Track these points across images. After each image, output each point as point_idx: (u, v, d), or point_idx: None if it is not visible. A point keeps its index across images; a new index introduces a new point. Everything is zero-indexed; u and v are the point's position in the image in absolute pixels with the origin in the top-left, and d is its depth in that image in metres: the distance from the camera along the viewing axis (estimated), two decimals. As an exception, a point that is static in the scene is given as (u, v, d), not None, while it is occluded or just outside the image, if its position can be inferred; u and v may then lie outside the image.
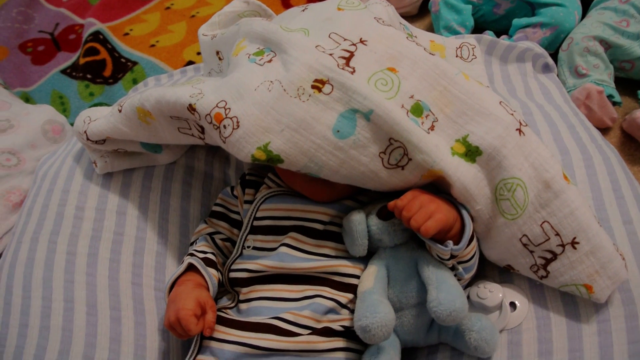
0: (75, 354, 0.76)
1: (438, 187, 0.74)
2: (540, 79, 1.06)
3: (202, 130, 0.78)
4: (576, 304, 0.72)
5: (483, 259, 0.79)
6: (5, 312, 0.81)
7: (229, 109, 0.71)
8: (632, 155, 1.14)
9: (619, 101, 1.17)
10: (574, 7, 1.29)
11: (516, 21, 1.32)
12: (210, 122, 0.71)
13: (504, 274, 0.79)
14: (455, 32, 1.35)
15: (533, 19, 1.30)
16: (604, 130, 1.18)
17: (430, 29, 1.48)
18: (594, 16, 1.25)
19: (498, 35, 1.32)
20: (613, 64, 1.21)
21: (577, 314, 0.71)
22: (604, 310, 0.71)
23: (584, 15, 1.31)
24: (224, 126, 0.70)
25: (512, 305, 0.74)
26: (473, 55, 1.05)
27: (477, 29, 1.41)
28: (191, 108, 0.72)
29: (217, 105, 0.71)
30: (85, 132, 0.88)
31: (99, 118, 0.88)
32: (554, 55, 1.25)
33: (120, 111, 0.83)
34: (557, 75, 1.17)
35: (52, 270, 0.83)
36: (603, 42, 1.19)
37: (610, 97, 1.16)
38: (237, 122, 0.70)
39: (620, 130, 1.18)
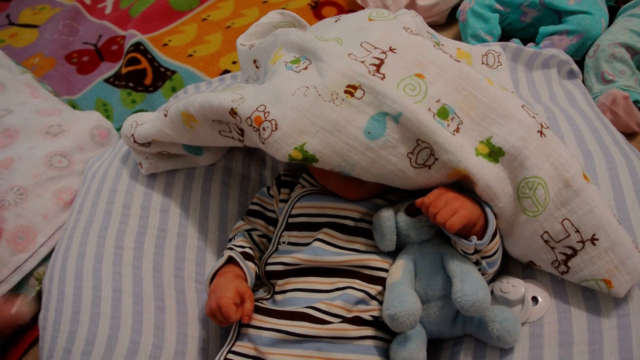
0: (123, 338, 0.81)
1: (463, 185, 0.78)
2: (565, 85, 1.08)
3: (242, 132, 0.83)
4: (596, 298, 0.74)
5: (506, 256, 0.81)
6: (59, 300, 0.86)
7: (268, 112, 0.76)
8: (658, 159, 1.15)
9: (646, 106, 1.19)
10: (600, 14, 1.30)
11: (543, 29, 1.34)
12: (251, 125, 0.77)
13: (527, 270, 0.81)
14: (482, 40, 1.38)
15: (560, 27, 1.31)
16: (631, 135, 1.18)
17: (458, 37, 1.51)
18: (621, 23, 1.26)
19: (525, 43, 1.34)
20: (640, 69, 1.23)
21: (598, 308, 0.73)
22: (623, 305, 0.73)
23: (610, 23, 1.32)
24: (264, 128, 0.76)
25: (534, 299, 0.77)
26: (498, 62, 1.08)
27: (505, 37, 1.43)
28: (233, 112, 0.78)
29: (257, 109, 0.77)
30: (132, 135, 0.94)
31: (145, 122, 0.94)
32: (581, 62, 1.27)
33: (165, 115, 0.89)
34: (583, 82, 1.19)
35: (101, 262, 0.88)
36: (629, 48, 1.20)
37: (636, 102, 1.17)
38: (276, 124, 0.75)
39: (647, 135, 1.19)
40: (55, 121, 1.21)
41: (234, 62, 1.59)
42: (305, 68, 0.80)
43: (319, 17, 1.68)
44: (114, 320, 0.83)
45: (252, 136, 0.79)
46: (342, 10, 1.71)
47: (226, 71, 1.56)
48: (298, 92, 0.76)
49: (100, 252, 0.90)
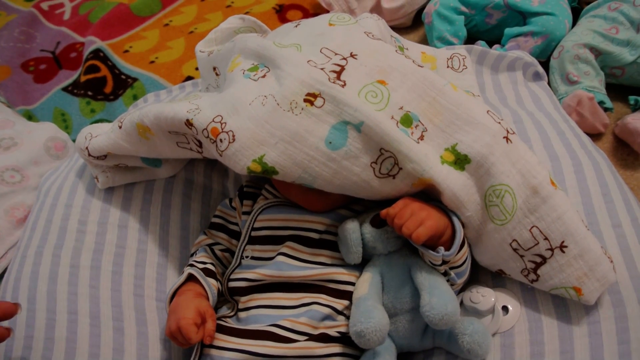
0: (80, 364, 0.78)
1: (429, 195, 0.76)
2: (531, 87, 1.08)
3: (200, 144, 0.80)
4: (567, 306, 0.74)
5: (476, 265, 0.80)
6: (10, 324, 0.82)
7: (225, 123, 0.73)
8: (624, 160, 1.16)
9: (611, 107, 1.19)
10: (564, 15, 1.31)
11: (508, 30, 1.34)
12: (207, 137, 0.74)
13: (497, 279, 0.80)
14: (448, 43, 1.37)
15: (524, 28, 1.31)
16: (597, 136, 1.19)
17: (424, 39, 1.50)
18: (584, 24, 1.27)
19: (491, 44, 1.34)
20: (604, 70, 1.22)
21: (568, 316, 0.73)
22: (594, 312, 0.72)
23: (574, 24, 1.33)
24: (221, 140, 0.73)
25: (505, 309, 0.76)
26: (464, 65, 1.07)
27: (470, 39, 1.43)
28: (188, 123, 0.75)
29: (213, 120, 0.73)
30: (86, 148, 0.90)
31: (100, 134, 0.90)
32: (546, 63, 1.27)
33: (120, 127, 0.85)
34: (549, 83, 1.19)
35: (56, 283, 0.85)
36: (593, 49, 1.21)
37: (601, 103, 1.17)
38: (233, 135, 0.72)
39: (613, 136, 1.19)
40: (7, 134, 1.16)
41: (197, 69, 1.54)
42: (264, 76, 0.77)
43: (284, 20, 1.66)
44: (69, 344, 0.79)
45: (210, 148, 0.75)
46: (307, 14, 1.68)
47: (189, 78, 1.53)
48: (256, 102, 0.73)
49: (54, 272, 0.86)
